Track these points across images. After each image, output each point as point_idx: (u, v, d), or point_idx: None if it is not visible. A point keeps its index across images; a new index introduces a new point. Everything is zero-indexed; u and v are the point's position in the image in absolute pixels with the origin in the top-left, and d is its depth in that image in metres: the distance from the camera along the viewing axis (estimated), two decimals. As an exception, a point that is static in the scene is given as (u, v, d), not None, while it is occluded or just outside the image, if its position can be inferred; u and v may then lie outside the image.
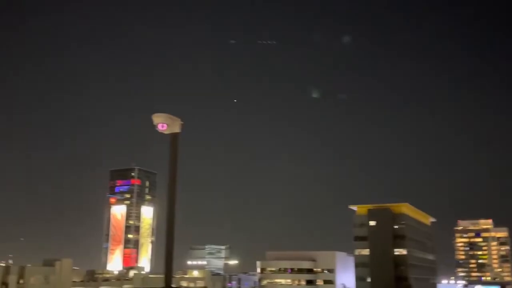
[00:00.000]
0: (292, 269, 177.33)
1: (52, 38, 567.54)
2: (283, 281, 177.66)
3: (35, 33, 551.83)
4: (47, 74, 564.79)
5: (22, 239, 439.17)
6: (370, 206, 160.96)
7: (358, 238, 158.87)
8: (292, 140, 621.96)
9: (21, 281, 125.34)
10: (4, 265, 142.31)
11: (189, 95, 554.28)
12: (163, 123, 10.70)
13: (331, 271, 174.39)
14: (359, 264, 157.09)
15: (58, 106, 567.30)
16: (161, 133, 10.98)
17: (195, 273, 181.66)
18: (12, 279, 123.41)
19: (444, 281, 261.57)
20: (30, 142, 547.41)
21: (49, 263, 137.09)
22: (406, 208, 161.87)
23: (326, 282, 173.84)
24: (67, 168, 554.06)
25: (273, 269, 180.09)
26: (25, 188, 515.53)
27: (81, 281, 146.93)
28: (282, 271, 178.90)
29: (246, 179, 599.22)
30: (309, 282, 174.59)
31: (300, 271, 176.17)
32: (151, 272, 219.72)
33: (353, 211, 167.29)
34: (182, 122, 11.06)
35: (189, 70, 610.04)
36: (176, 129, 10.97)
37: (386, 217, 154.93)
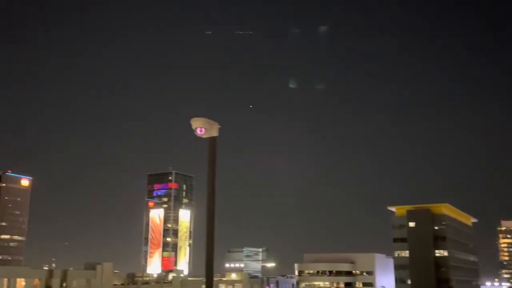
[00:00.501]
0: (330, 272, 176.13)
1: (91, 36, 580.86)
2: (321, 283, 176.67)
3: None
4: (76, 77, 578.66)
5: (66, 243, 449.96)
6: (409, 207, 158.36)
7: (397, 240, 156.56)
8: (325, 139, 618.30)
9: (64, 285, 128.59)
10: (47, 268, 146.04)
11: (217, 96, 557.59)
12: (202, 127, 10.80)
13: (370, 273, 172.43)
14: (399, 266, 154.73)
15: (96, 111, 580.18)
16: (200, 136, 11.04)
17: (233, 276, 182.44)
18: (55, 282, 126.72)
19: (488, 283, 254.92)
20: (70, 147, 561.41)
21: (90, 267, 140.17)
22: (446, 209, 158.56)
23: (365, 284, 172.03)
24: (106, 172, 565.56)
25: (311, 271, 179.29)
26: (66, 193, 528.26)
27: (122, 284, 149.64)
28: (320, 274, 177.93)
29: (282, 180, 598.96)
30: (348, 284, 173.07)
31: (339, 273, 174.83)
32: (189, 275, 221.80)
33: (392, 212, 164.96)
34: (219, 126, 11.15)
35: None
36: (214, 133, 11.06)
37: (426, 218, 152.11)
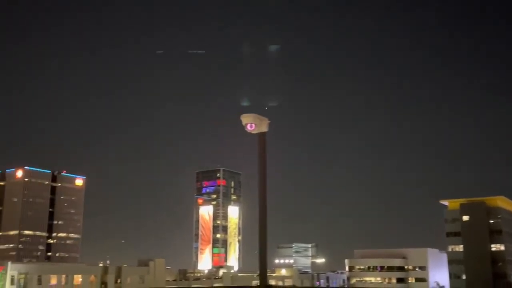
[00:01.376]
0: (382, 267, 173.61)
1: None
2: (372, 279, 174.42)
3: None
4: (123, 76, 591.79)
5: (123, 241, 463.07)
6: (462, 200, 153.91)
7: (451, 234, 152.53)
8: (375, 134, 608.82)
9: (118, 281, 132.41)
10: (102, 265, 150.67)
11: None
12: (252, 123, 10.77)
13: (423, 268, 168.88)
14: (453, 261, 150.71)
15: (144, 110, 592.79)
16: (249, 133, 11.00)
17: (283, 272, 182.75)
18: (110, 278, 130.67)
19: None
20: (121, 147, 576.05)
21: (143, 263, 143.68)
22: (501, 201, 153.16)
23: (418, 280, 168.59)
24: (156, 170, 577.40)
25: (362, 267, 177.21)
26: (117, 191, 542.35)
27: (174, 280, 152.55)
28: (371, 269, 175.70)
29: (331, 176, 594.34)
30: (400, 280, 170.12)
31: (390, 268, 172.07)
32: (239, 271, 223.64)
33: (444, 206, 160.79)
34: (269, 121, 11.09)
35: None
36: (264, 128, 11.01)
37: (480, 211, 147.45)
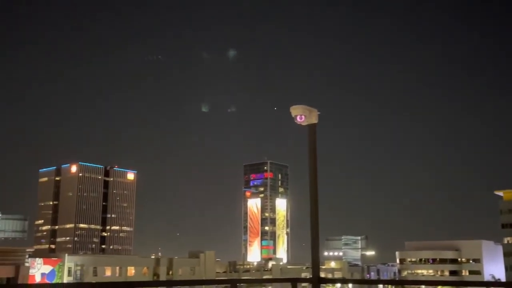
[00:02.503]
0: (434, 259, 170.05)
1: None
2: (424, 271, 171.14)
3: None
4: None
5: (178, 234, 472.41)
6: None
7: (506, 226, 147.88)
8: (428, 123, 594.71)
9: (170, 272, 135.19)
10: (154, 257, 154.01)
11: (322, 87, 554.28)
12: (301, 115, 10.74)
13: (477, 261, 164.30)
14: (509, 253, 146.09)
15: (192, 105, 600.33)
16: (297, 125, 10.96)
17: (332, 264, 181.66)
18: (162, 270, 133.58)
19: None
20: (168, 141, 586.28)
21: (194, 255, 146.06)
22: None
23: (472, 272, 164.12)
24: (203, 163, 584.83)
25: (414, 259, 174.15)
26: (166, 185, 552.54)
27: (224, 272, 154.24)
28: (423, 262, 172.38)
29: (381, 167, 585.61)
30: (453, 272, 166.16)
31: (443, 261, 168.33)
32: (288, 263, 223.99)
33: (499, 196, 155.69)
34: (319, 113, 11.01)
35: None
36: (314, 119, 10.94)
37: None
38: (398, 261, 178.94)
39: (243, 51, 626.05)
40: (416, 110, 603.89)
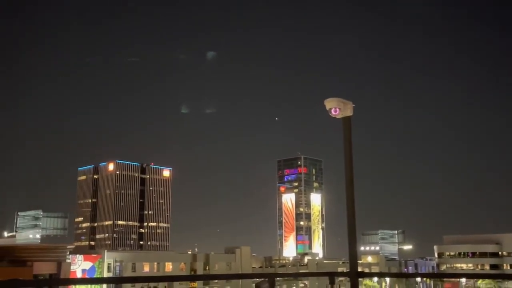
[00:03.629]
0: (473, 253, 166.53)
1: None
2: (464, 265, 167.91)
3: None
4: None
5: (218, 230, 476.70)
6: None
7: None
8: (467, 117, 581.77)
9: (207, 268, 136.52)
10: (191, 253, 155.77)
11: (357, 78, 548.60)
12: (336, 108, 10.67)
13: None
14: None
15: (225, 101, 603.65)
16: (331, 119, 10.89)
17: (369, 259, 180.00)
18: (199, 265, 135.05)
19: None
20: (201, 138, 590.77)
21: (230, 251, 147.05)
22: None
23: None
24: (237, 159, 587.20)
25: (452, 253, 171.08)
26: (201, 181, 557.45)
27: (260, 267, 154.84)
28: (462, 255, 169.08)
29: (417, 160, 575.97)
30: (494, 266, 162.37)
31: (483, 255, 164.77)
32: (324, 258, 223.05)
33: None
34: (353, 105, 10.92)
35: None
36: (349, 112, 10.86)
37: None
38: (436, 255, 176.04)
39: (276, 44, 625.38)
40: (452, 103, 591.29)
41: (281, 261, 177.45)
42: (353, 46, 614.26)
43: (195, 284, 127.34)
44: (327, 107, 10.49)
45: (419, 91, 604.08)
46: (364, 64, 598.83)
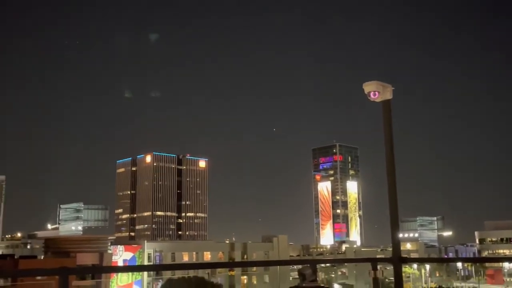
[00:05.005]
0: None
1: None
2: (506, 251, 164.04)
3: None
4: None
5: (260, 219, 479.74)
6: None
7: None
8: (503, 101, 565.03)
9: (245, 257, 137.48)
10: (228, 242, 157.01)
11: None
12: (375, 91, 10.48)
13: None
14: None
15: (261, 90, 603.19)
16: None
17: (408, 246, 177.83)
18: (237, 254, 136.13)
19: None
20: (235, 128, 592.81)
21: (267, 239, 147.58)
22: None
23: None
24: (271, 149, 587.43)
25: (494, 239, 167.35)
26: (236, 172, 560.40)
27: (297, 255, 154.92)
28: (504, 241, 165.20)
29: (455, 146, 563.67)
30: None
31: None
32: (362, 246, 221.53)
33: None
34: (393, 88, 10.70)
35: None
36: (388, 95, 10.66)
37: None
38: (477, 241, 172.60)
39: (309, 30, 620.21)
40: (491, 85, 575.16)
41: (318, 249, 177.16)
42: (389, 30, 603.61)
43: (233, 272, 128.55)
44: (366, 91, 10.30)
45: (458, 74, 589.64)
46: (400, 48, 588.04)
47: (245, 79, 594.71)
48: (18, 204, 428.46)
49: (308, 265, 7.41)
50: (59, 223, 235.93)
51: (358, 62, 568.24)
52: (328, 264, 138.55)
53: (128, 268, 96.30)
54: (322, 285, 7.31)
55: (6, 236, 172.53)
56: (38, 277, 64.78)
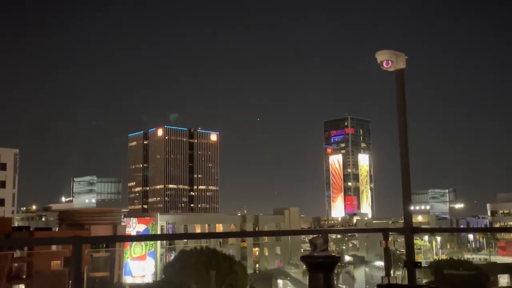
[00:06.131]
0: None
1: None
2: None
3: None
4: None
5: (275, 192, 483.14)
6: None
7: None
8: None
9: (256, 229, 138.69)
10: (240, 214, 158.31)
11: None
12: (388, 60, 10.28)
13: None
14: None
15: (273, 64, 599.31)
16: (386, 70, 10.49)
17: (419, 218, 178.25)
18: (248, 227, 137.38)
19: None
20: (245, 102, 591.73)
21: (278, 212, 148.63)
22: None
23: None
24: (282, 121, 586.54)
25: (506, 211, 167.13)
26: (247, 145, 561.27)
27: (309, 227, 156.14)
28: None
29: (468, 115, 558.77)
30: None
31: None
32: (373, 218, 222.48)
33: None
34: (406, 57, 10.49)
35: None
36: (401, 65, 10.45)
37: None
38: (489, 213, 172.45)
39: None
40: (506, 56, 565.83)
41: (329, 222, 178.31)
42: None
43: (245, 244, 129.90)
44: (379, 60, 10.11)
45: (475, 45, 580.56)
46: (411, 18, 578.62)
47: (256, 49, 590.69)
48: (32, 177, 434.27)
49: (319, 235, 7.40)
50: (73, 196, 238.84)
51: (369, 34, 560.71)
52: (339, 236, 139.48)
53: (141, 237, 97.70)
54: (333, 254, 7.30)
55: (21, 208, 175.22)
56: (53, 248, 66.15)
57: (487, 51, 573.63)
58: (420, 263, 9.95)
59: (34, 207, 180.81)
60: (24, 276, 77.69)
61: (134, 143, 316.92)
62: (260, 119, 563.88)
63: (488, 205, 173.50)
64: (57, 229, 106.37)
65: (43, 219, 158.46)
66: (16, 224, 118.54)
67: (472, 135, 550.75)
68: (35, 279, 74.73)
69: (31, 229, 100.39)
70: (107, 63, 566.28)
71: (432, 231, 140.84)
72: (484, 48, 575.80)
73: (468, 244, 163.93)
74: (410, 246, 9.72)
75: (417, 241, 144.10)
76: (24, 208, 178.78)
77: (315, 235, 7.22)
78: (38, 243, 47.97)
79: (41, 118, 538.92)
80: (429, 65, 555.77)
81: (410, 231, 9.68)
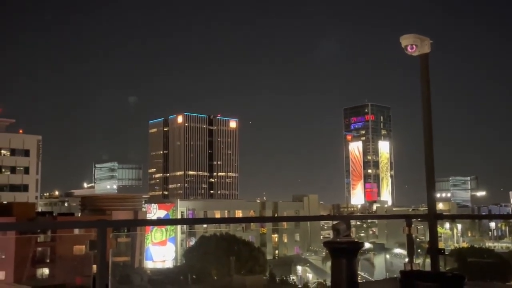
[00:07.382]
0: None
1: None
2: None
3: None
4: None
5: (299, 180, 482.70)
6: None
7: None
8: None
9: (275, 215, 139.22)
10: (259, 201, 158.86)
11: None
12: (412, 45, 10.12)
13: None
14: None
15: (291, 51, 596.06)
16: (411, 54, 10.33)
17: (440, 206, 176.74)
18: (268, 213, 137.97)
19: None
20: (265, 88, 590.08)
21: (297, 199, 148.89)
22: None
23: None
24: (302, 108, 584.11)
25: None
26: (266, 132, 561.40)
27: (328, 214, 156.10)
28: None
29: (492, 102, 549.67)
30: None
31: None
32: (393, 206, 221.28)
33: None
34: (431, 41, 10.31)
35: None
36: (426, 49, 10.29)
37: None
38: (511, 201, 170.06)
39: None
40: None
41: (349, 209, 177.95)
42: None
43: (265, 230, 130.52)
44: (403, 44, 9.96)
45: (504, 31, 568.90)
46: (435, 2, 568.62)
47: (275, 36, 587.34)
48: (55, 164, 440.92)
49: (342, 221, 7.37)
50: (94, 182, 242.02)
51: (390, 18, 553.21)
52: (358, 223, 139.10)
53: (163, 221, 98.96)
54: (356, 240, 7.28)
55: (45, 194, 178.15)
56: (76, 232, 67.23)
57: None
58: (444, 250, 9.87)
59: (56, 192, 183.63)
60: (48, 260, 79.30)
61: (155, 129, 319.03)
62: (279, 106, 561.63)
63: (510, 193, 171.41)
64: (79, 214, 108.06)
65: (66, 204, 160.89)
66: (39, 209, 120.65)
67: (495, 122, 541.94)
68: (58, 263, 76.21)
69: (54, 214, 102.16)
70: (130, 49, 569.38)
71: (455, 218, 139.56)
72: None
73: (490, 232, 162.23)
74: (433, 233, 9.67)
75: (438, 229, 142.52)
76: (47, 194, 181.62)
77: (337, 221, 7.19)
78: (64, 226, 48.72)
79: (63, 104, 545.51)
80: (454, 49, 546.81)
81: (434, 217, 9.60)
